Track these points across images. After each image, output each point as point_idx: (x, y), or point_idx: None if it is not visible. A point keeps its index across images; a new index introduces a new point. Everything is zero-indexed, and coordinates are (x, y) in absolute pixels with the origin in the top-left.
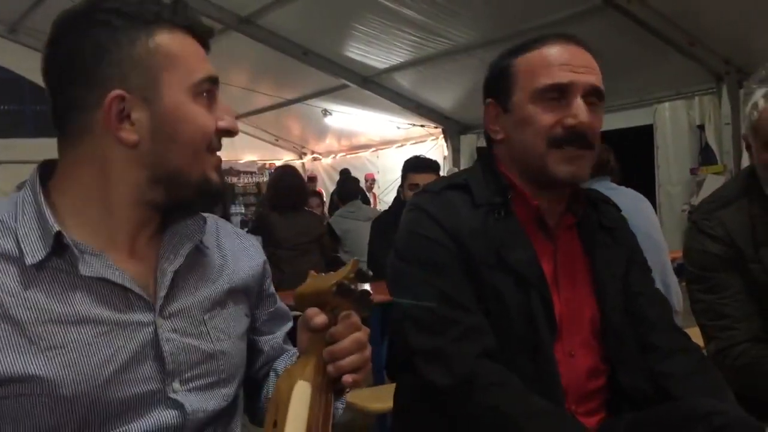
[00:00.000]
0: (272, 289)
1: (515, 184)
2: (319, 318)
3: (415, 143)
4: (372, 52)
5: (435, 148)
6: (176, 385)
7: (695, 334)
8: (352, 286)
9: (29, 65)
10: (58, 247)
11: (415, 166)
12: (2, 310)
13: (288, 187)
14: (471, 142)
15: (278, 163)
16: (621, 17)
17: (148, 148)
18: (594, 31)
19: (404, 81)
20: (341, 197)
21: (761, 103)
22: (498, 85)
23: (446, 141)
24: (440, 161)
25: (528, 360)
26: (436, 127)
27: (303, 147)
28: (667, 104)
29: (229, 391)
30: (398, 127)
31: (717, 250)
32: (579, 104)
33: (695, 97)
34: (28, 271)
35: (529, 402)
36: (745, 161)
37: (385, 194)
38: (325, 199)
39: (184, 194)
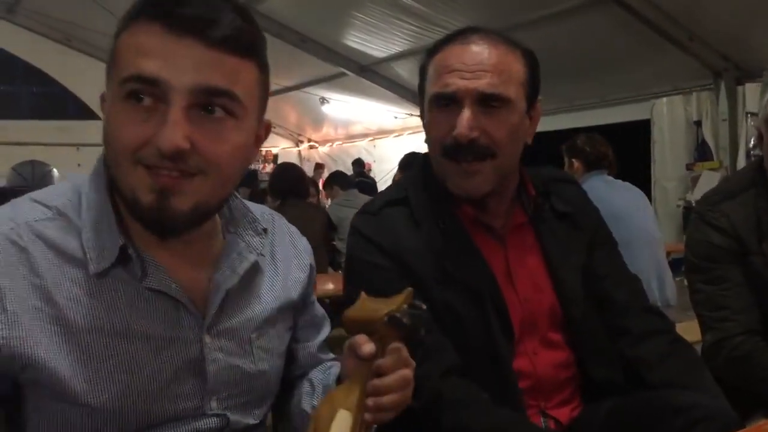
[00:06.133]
0: (314, 295)
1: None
2: (368, 347)
3: (412, 133)
4: (370, 41)
5: None
6: (213, 404)
7: (690, 328)
8: (404, 320)
9: (26, 46)
10: (122, 256)
11: (410, 164)
12: (61, 314)
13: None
14: None
15: (275, 151)
16: (620, 11)
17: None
18: (592, 24)
19: (402, 70)
20: (342, 186)
21: None
22: (420, 85)
23: None
24: None
25: (487, 371)
26: None
27: (300, 135)
28: (664, 99)
29: (261, 411)
30: (395, 117)
31: (721, 241)
32: (463, 114)
33: (693, 93)
34: (91, 277)
35: (495, 416)
36: (741, 158)
37: (381, 184)
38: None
39: (133, 213)
